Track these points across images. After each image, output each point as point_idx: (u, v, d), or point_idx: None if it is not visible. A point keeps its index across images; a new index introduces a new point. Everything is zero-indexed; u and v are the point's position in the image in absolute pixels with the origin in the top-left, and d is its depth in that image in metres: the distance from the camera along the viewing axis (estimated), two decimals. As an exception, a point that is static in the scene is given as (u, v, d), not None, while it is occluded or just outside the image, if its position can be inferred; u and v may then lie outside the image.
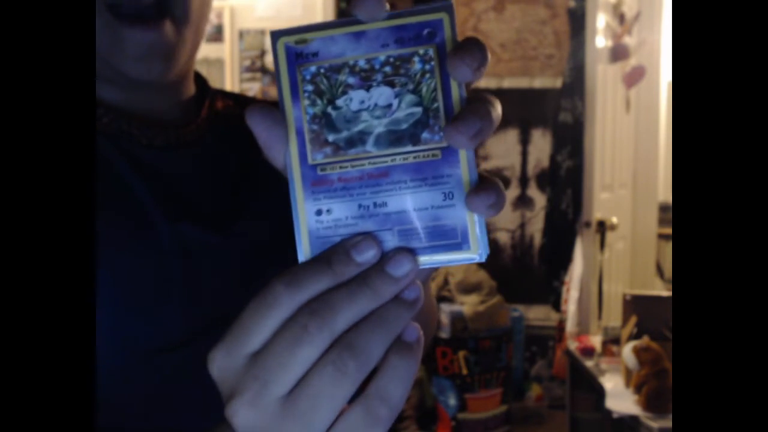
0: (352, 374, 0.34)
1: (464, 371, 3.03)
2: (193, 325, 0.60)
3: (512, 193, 3.72)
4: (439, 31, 0.37)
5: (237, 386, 0.36)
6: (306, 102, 0.38)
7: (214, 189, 0.66)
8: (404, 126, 0.37)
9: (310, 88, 0.37)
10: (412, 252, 0.36)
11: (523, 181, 3.71)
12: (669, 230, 3.98)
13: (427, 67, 0.37)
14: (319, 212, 0.38)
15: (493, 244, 3.71)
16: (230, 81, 3.64)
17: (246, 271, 0.64)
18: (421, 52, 0.37)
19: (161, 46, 0.58)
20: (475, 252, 0.37)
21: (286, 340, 0.35)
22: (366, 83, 0.37)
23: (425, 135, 0.37)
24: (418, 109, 0.37)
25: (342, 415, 0.35)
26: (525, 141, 3.70)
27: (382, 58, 0.37)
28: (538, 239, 3.62)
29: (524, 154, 3.70)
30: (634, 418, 2.06)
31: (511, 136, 3.69)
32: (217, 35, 3.65)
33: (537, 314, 3.65)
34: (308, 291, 0.35)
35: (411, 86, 0.37)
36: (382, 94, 0.37)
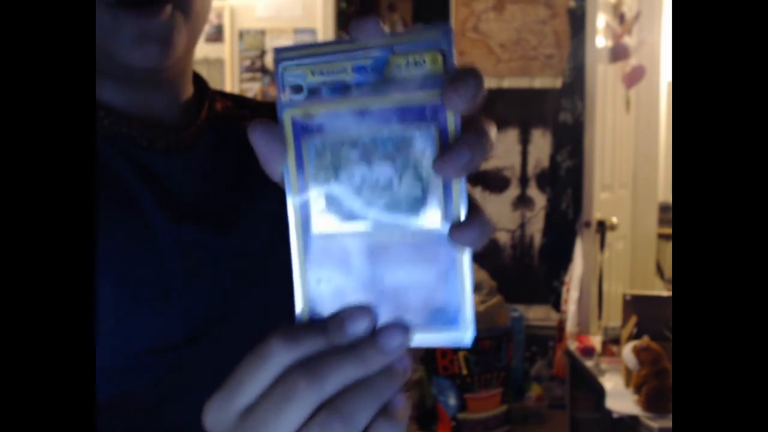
0: None
1: (464, 371, 3.03)
2: (193, 326, 0.60)
3: (512, 193, 3.72)
4: (442, 112, 0.37)
5: None
6: (310, 173, 0.38)
7: (214, 191, 0.66)
8: (404, 205, 0.37)
9: (314, 161, 0.38)
10: (405, 328, 0.37)
11: (523, 181, 3.71)
12: (669, 230, 3.98)
13: (428, 148, 0.37)
14: (318, 281, 0.39)
15: (493, 244, 3.72)
16: (230, 81, 3.64)
17: (246, 272, 0.64)
18: (423, 131, 0.37)
19: (157, 31, 0.57)
20: (465, 334, 0.37)
21: (275, 397, 0.35)
22: (368, 159, 0.37)
23: (424, 214, 0.37)
24: (418, 189, 0.37)
25: None
26: (525, 141, 3.70)
27: (385, 135, 0.37)
28: (538, 239, 3.63)
29: (524, 154, 3.70)
30: (634, 418, 2.06)
31: (511, 136, 3.70)
32: (217, 35, 3.65)
33: (537, 314, 3.65)
34: (303, 349, 0.36)
35: (411, 165, 0.37)
36: (383, 172, 0.37)
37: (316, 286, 0.39)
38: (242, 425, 0.36)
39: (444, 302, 0.37)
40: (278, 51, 0.38)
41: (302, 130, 0.38)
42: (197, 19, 0.62)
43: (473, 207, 0.38)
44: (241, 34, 3.65)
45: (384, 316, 0.38)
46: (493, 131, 0.37)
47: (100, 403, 0.53)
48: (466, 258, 0.37)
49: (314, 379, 0.35)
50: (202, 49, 3.59)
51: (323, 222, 0.38)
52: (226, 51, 3.65)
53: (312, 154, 0.38)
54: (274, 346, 0.36)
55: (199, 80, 0.72)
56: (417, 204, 0.37)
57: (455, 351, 3.02)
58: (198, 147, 0.66)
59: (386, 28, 0.37)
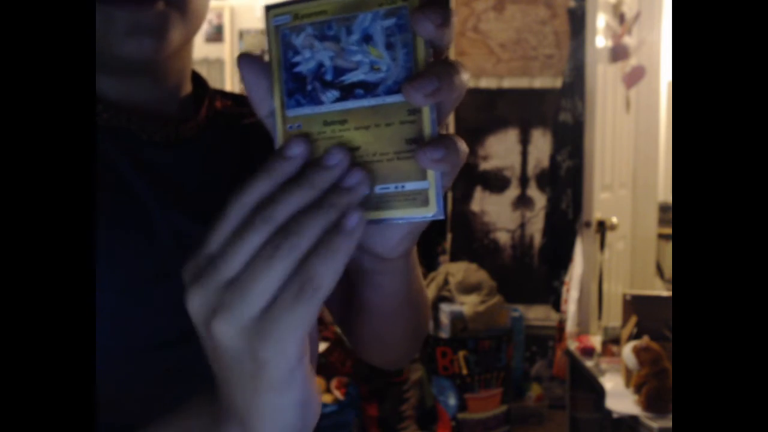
0: (284, 254, 0.36)
1: (464, 371, 3.03)
2: (190, 322, 0.60)
3: (512, 193, 3.72)
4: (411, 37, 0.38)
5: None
6: (289, 80, 0.41)
7: (213, 186, 0.66)
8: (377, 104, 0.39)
9: (293, 73, 0.40)
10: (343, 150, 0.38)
11: (523, 181, 3.71)
12: (669, 230, 3.99)
13: (399, 24, 0.38)
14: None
15: (493, 244, 3.72)
16: (230, 81, 3.64)
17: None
18: (396, 50, 0.38)
19: (151, 23, 0.58)
20: (432, 210, 0.38)
21: (235, 238, 0.38)
22: (343, 71, 0.39)
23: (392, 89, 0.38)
24: (386, 65, 0.38)
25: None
26: (525, 141, 3.70)
27: (360, 57, 0.39)
28: (538, 239, 3.63)
29: (524, 154, 3.70)
30: (634, 418, 2.06)
31: (511, 136, 3.70)
32: (217, 35, 3.65)
33: (537, 314, 3.65)
34: (253, 194, 0.38)
35: (383, 84, 0.38)
36: (359, 78, 0.39)
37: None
38: (225, 293, 0.37)
39: (413, 176, 0.38)
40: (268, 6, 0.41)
41: (286, 39, 0.40)
42: (193, 14, 0.62)
43: (441, 134, 0.38)
44: (241, 34, 3.66)
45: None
46: (465, 74, 0.38)
47: (98, 399, 0.54)
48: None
49: (265, 211, 0.37)
50: (202, 49, 3.59)
51: (300, 109, 0.40)
52: (226, 51, 3.65)
53: (292, 52, 0.40)
54: (255, 217, 0.38)
55: (198, 79, 0.73)
56: (387, 108, 0.39)
57: (455, 351, 3.02)
58: (197, 142, 0.66)
59: None
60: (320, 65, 0.39)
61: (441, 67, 0.37)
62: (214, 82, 0.75)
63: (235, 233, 0.38)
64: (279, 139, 0.40)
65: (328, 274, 0.36)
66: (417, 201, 0.38)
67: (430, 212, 0.38)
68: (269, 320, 0.36)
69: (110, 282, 0.56)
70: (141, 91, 0.64)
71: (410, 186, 0.38)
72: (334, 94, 0.39)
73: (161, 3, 0.58)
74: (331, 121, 0.39)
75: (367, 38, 0.38)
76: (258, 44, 3.64)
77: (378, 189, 0.39)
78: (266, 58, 0.41)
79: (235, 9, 3.67)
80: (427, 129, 0.38)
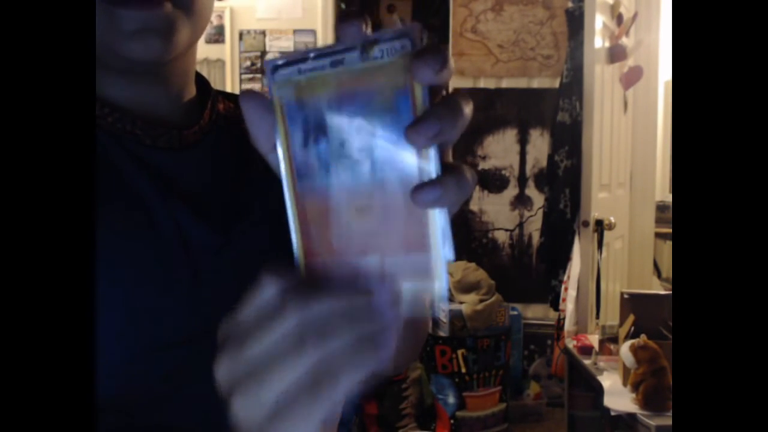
0: (311, 351, 0.36)
1: (463, 370, 3.04)
2: (194, 324, 0.61)
3: (511, 192, 3.73)
4: (410, 86, 0.38)
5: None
6: (296, 141, 0.41)
7: (217, 190, 0.66)
8: (382, 166, 0.39)
9: (300, 129, 0.40)
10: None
11: (522, 181, 3.72)
12: (666, 229, 4.00)
13: (400, 120, 0.38)
14: (310, 235, 0.41)
15: (492, 244, 3.72)
16: (230, 81, 3.65)
17: (247, 271, 0.65)
18: (395, 104, 0.39)
19: (157, 23, 0.58)
20: (434, 284, 0.38)
21: (284, 352, 0.37)
22: (348, 129, 0.39)
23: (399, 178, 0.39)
24: (393, 156, 0.39)
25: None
26: (523, 141, 3.71)
27: (362, 109, 0.39)
28: (536, 238, 3.63)
29: (522, 154, 3.71)
30: (631, 416, 2.07)
31: (510, 136, 3.71)
32: (218, 36, 3.66)
33: (535, 313, 3.66)
34: (313, 314, 0.37)
35: (387, 135, 0.39)
36: (362, 139, 0.39)
37: (309, 238, 0.41)
38: (248, 372, 0.38)
39: (418, 254, 0.39)
40: (269, 62, 0.41)
41: (290, 105, 0.40)
42: (199, 16, 0.62)
43: (449, 169, 0.38)
44: (242, 35, 3.66)
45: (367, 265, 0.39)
46: (467, 106, 0.38)
47: (102, 401, 0.54)
48: (436, 212, 0.38)
49: (319, 341, 0.36)
50: (203, 50, 3.59)
51: (311, 182, 0.40)
52: (227, 51, 3.65)
53: (299, 123, 0.40)
54: (288, 310, 0.37)
55: (201, 81, 0.73)
56: (393, 168, 0.39)
57: (454, 349, 3.03)
58: (200, 146, 0.67)
59: (368, 30, 0.39)
60: (322, 148, 0.40)
61: (441, 107, 0.37)
62: (214, 83, 0.76)
63: (267, 314, 0.38)
64: (291, 207, 0.41)
65: (351, 378, 0.36)
66: (422, 274, 0.38)
67: (434, 287, 0.38)
68: (285, 406, 0.36)
69: (115, 285, 0.56)
70: (146, 94, 0.64)
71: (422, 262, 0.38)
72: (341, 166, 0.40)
73: (168, 5, 0.58)
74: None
75: (369, 122, 0.39)
76: (257, 45, 3.65)
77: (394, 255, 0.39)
78: (267, 57, 0.42)
79: (235, 10, 3.68)
80: (432, 168, 0.38)
